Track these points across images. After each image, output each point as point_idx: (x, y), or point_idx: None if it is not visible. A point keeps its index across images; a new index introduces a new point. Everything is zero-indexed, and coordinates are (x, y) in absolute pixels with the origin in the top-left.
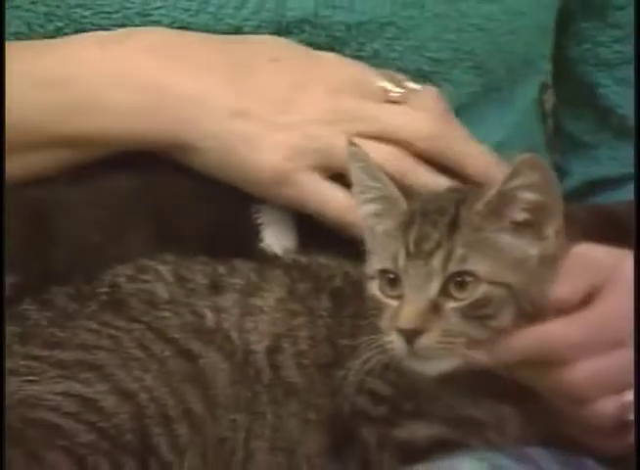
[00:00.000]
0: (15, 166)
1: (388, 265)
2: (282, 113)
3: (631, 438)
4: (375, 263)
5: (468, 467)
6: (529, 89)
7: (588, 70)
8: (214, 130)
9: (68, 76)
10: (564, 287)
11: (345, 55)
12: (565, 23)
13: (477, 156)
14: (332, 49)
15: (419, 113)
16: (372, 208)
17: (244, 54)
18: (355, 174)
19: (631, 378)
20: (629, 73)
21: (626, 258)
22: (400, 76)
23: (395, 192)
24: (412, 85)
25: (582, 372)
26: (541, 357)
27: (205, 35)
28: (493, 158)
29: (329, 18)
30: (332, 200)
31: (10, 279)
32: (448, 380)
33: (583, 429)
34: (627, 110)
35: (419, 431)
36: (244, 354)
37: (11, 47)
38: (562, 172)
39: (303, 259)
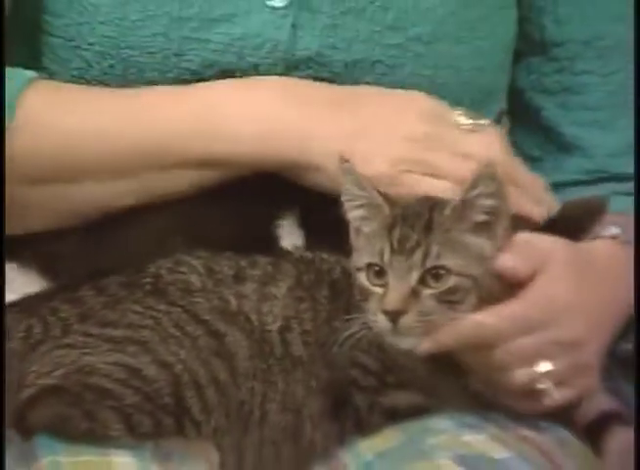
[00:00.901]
0: (160, 186)
1: (374, 260)
2: (384, 133)
3: (545, 403)
4: (363, 258)
5: (440, 424)
6: (490, 115)
7: (534, 97)
8: (333, 149)
9: (210, 111)
10: (510, 257)
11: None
12: (517, 59)
13: (534, 178)
14: (333, 82)
15: (493, 142)
16: (359, 212)
17: (347, 92)
18: (346, 185)
19: (547, 353)
20: (567, 98)
21: (562, 244)
22: (471, 113)
23: (379, 200)
24: (481, 121)
25: (507, 353)
26: (473, 342)
27: (311, 82)
28: (544, 191)
29: (330, 57)
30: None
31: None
32: (421, 357)
33: (502, 393)
34: (566, 128)
35: (400, 398)
36: (260, 333)
37: (164, 90)
38: None
39: (309, 255)
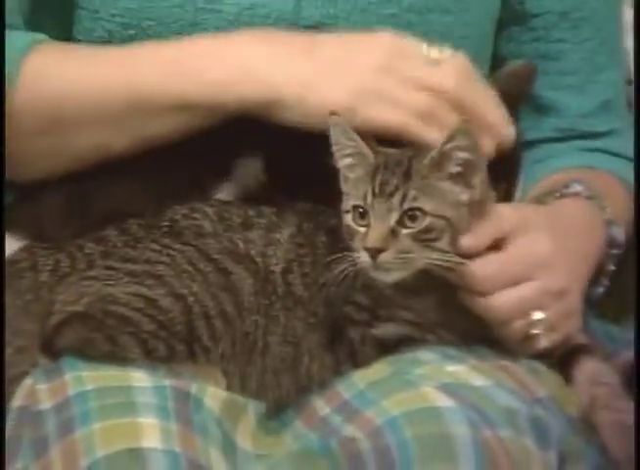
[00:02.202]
0: (147, 131)
1: (359, 202)
2: (345, 68)
3: (537, 347)
4: (349, 201)
5: (425, 356)
6: None
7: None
8: (298, 85)
9: (186, 59)
10: (467, 239)
11: None
12: (499, 29)
13: (494, 109)
14: None
15: (450, 70)
16: (347, 161)
17: (318, 37)
18: (335, 136)
19: (540, 303)
20: (543, 64)
21: (532, 210)
22: (439, 46)
23: (365, 149)
24: (448, 51)
25: (496, 300)
26: (466, 288)
27: (282, 32)
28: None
29: (331, 25)
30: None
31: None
32: (410, 291)
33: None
34: (542, 91)
35: (390, 331)
36: (265, 274)
37: (151, 45)
38: None
39: (308, 206)
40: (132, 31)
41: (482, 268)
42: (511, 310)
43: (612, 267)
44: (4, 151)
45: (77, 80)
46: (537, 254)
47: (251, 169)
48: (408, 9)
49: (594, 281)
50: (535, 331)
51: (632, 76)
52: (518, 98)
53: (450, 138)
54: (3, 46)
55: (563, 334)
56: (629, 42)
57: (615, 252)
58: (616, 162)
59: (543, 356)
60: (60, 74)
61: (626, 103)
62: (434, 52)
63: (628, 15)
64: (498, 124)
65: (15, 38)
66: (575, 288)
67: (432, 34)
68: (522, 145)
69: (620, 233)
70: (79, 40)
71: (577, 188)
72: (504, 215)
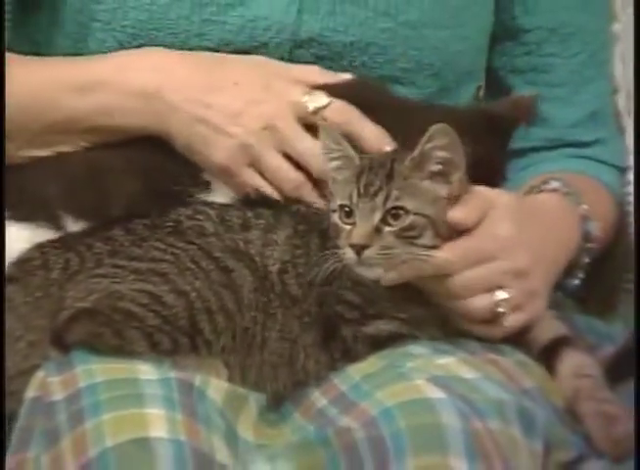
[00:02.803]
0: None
1: (345, 202)
2: (232, 124)
3: (503, 326)
4: (336, 201)
5: (416, 350)
6: (470, 90)
7: (506, 75)
8: (185, 131)
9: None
10: (457, 211)
11: (342, 65)
12: (491, 43)
13: (369, 132)
14: (332, 60)
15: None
16: (335, 163)
17: (218, 74)
18: (324, 140)
19: (501, 282)
20: (533, 77)
21: (504, 194)
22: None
23: (351, 152)
24: (321, 98)
25: (461, 281)
26: (431, 274)
27: (192, 55)
28: (381, 135)
29: (330, 38)
30: (260, 183)
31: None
32: (396, 289)
33: (469, 321)
34: None
35: (381, 328)
36: (263, 272)
37: (52, 60)
38: None
39: (303, 208)
40: (142, 41)
41: (448, 254)
42: (474, 289)
43: (587, 260)
44: (4, 151)
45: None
46: (500, 234)
47: None
48: (404, 23)
49: (569, 273)
50: (500, 309)
51: (617, 87)
52: (512, 126)
53: (430, 138)
54: (3, 47)
55: (528, 314)
56: (618, 70)
57: (590, 245)
58: (601, 168)
59: (521, 344)
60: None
61: (612, 113)
62: (311, 105)
63: (620, 71)
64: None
65: None
66: (538, 270)
67: (427, 48)
68: (508, 154)
69: (596, 228)
70: (92, 50)
71: (555, 185)
72: (486, 197)
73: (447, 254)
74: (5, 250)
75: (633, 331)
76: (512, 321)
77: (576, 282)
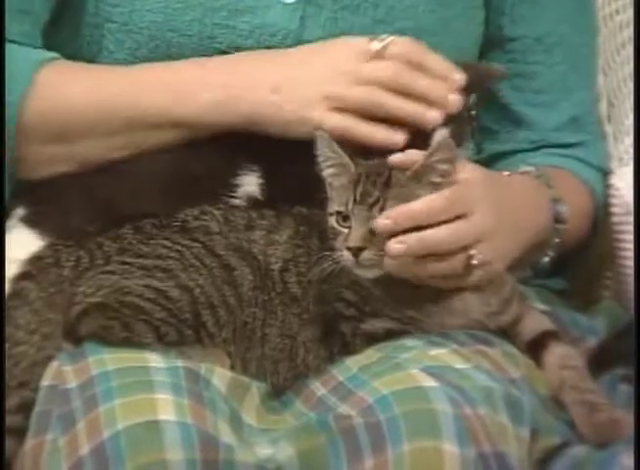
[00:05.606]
0: (142, 142)
1: (341, 208)
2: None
3: (472, 279)
4: (333, 206)
5: (410, 342)
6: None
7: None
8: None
9: (173, 84)
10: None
11: None
12: (481, 51)
13: (439, 82)
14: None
15: (385, 62)
16: (331, 170)
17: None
18: (320, 149)
19: (475, 239)
20: (519, 83)
21: (476, 167)
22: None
23: (347, 160)
24: (386, 38)
25: (439, 232)
26: (410, 223)
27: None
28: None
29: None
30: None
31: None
32: (391, 288)
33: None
34: (517, 107)
35: (377, 324)
36: (265, 271)
37: (152, 67)
38: (478, 148)
39: (304, 210)
40: (158, 42)
41: (423, 205)
42: (453, 241)
43: (557, 240)
44: (4, 151)
45: (84, 96)
46: (469, 195)
47: (249, 186)
48: (399, 30)
49: (540, 250)
50: (473, 262)
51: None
52: (471, 89)
53: (435, 151)
54: (3, 48)
55: (494, 269)
56: (600, 80)
57: (560, 226)
58: (580, 166)
59: (509, 337)
60: (69, 90)
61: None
62: (375, 44)
63: (601, 81)
64: (443, 97)
65: (27, 54)
66: (503, 231)
67: None
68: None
69: (566, 210)
70: (111, 50)
71: (526, 168)
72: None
73: (422, 204)
74: (5, 250)
75: (634, 332)
76: (481, 273)
77: (546, 260)
